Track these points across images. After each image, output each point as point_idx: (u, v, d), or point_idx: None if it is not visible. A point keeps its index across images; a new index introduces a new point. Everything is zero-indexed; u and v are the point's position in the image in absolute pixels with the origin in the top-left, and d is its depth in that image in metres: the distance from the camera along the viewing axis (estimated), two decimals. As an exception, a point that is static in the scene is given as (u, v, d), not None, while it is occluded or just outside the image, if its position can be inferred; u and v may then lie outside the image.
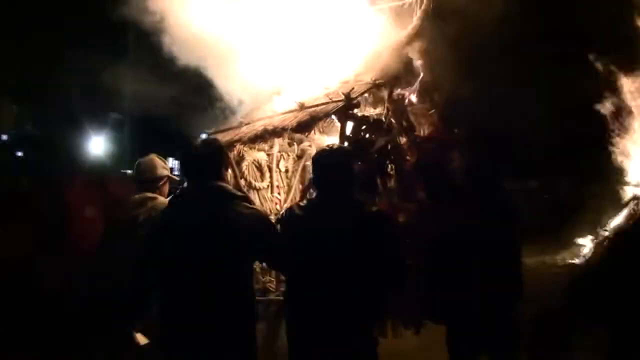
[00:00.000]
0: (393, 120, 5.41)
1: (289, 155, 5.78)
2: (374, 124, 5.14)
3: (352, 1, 6.02)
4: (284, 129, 5.06)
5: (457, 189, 4.05)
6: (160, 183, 4.17)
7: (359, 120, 5.10)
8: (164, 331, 2.99)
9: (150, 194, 4.03)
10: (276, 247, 3.12)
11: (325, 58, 5.94)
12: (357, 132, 5.03)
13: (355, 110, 5.20)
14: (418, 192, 5.21)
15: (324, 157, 3.23)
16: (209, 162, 3.12)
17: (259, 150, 5.61)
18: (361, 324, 3.03)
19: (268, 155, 5.69)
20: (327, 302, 2.97)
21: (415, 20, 5.75)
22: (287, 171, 5.75)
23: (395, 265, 3.08)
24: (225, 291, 2.93)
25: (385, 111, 5.38)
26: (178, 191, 3.21)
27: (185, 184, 3.18)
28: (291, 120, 5.14)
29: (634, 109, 10.35)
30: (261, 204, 5.38)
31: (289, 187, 5.60)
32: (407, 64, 5.63)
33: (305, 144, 5.73)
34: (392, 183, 5.35)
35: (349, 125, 5.19)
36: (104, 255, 3.97)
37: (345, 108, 4.88)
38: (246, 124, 5.63)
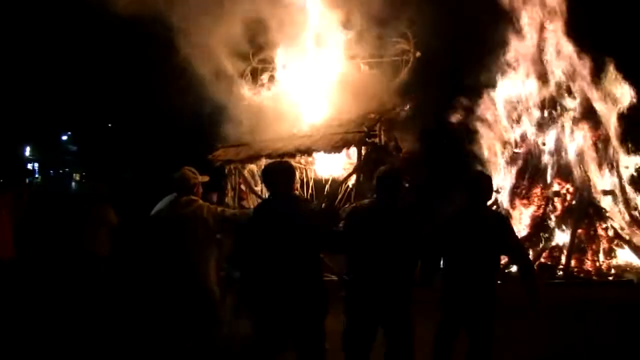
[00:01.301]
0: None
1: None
2: (381, 148, 7.02)
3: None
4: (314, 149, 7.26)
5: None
6: (195, 189, 5.37)
7: (373, 146, 6.83)
8: (256, 291, 4.29)
9: (193, 197, 5.27)
10: (325, 224, 4.66)
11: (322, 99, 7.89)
12: (369, 154, 6.36)
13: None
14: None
15: (387, 173, 4.63)
16: (280, 179, 4.47)
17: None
18: (403, 281, 4.47)
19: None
20: (384, 268, 4.37)
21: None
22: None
23: (420, 244, 4.56)
24: (302, 257, 4.29)
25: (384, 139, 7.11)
26: (267, 198, 4.77)
27: (269, 194, 4.64)
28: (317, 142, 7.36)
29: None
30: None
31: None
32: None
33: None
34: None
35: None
36: (162, 243, 5.18)
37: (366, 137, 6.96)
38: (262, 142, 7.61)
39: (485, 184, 4.97)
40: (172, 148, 18.05)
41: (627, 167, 12.63)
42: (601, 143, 12.60)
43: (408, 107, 7.77)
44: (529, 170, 12.74)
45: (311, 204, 5.62)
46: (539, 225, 11.95)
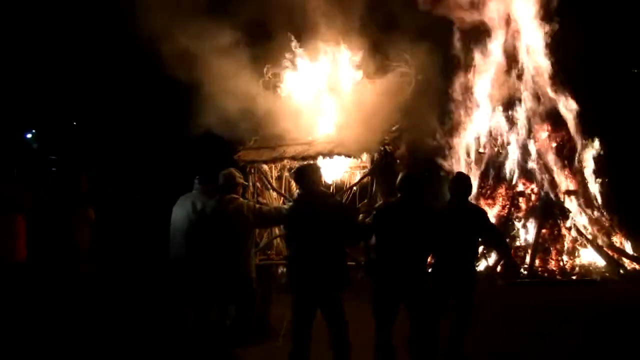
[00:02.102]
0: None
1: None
2: (390, 155, 8.07)
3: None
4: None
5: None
6: (237, 187, 6.20)
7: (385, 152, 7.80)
8: (298, 266, 5.30)
9: (234, 195, 6.05)
10: (351, 216, 5.74)
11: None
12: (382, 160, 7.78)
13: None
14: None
15: (410, 176, 5.43)
16: (311, 178, 5.45)
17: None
18: (422, 264, 5.34)
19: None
20: (409, 253, 5.18)
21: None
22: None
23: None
24: (331, 240, 5.27)
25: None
26: (301, 193, 5.49)
27: (301, 190, 5.49)
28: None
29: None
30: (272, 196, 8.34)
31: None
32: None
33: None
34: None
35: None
36: (205, 236, 5.95)
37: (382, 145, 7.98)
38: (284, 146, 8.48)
39: (464, 182, 6.02)
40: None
41: (587, 167, 12.72)
42: (564, 144, 12.66)
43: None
44: (494, 171, 12.74)
45: (336, 198, 6.40)
46: (504, 225, 11.93)
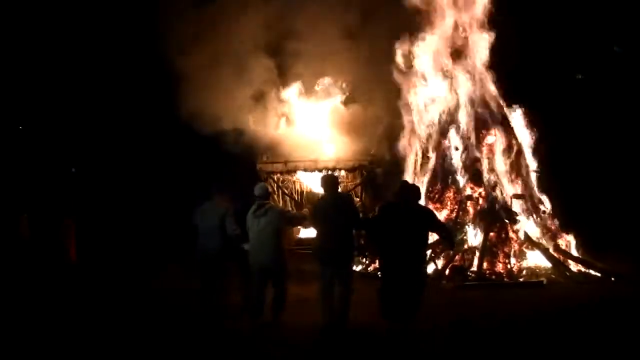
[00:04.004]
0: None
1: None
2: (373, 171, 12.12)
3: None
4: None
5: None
6: (269, 197, 8.51)
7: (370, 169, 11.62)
8: (321, 245, 7.43)
9: (267, 202, 7.88)
10: (359, 213, 7.90)
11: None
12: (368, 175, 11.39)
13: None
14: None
15: (407, 185, 7.68)
16: (334, 184, 7.68)
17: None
18: (420, 258, 7.26)
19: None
20: (405, 247, 6.96)
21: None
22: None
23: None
24: (346, 227, 7.31)
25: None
26: (324, 194, 7.56)
27: (324, 192, 7.56)
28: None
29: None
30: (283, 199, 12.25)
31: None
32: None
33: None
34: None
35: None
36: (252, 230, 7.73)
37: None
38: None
39: (408, 189, 7.54)
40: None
41: (536, 172, 12.80)
42: (511, 148, 12.72)
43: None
44: (442, 175, 12.70)
45: (349, 197, 8.88)
46: (452, 228, 11.85)
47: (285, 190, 12.87)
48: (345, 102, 12.98)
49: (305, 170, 12.77)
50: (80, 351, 7.01)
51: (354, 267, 9.03)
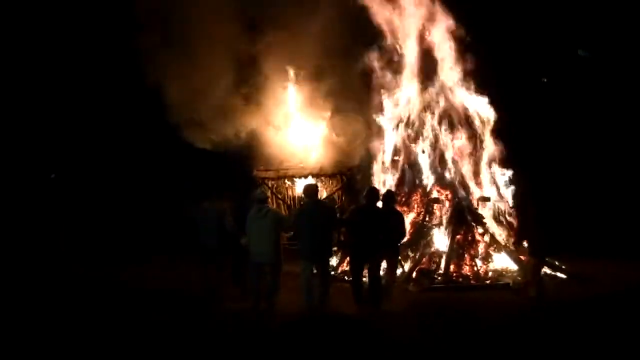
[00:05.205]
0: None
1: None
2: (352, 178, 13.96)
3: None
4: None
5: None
6: (267, 201, 9.87)
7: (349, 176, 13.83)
8: (305, 243, 8.81)
9: (266, 205, 9.31)
10: (336, 216, 9.52)
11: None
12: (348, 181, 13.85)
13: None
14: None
15: (372, 190, 9.41)
16: (314, 192, 9.16)
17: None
18: (379, 242, 8.97)
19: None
20: (371, 237, 8.86)
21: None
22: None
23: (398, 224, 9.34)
24: (327, 232, 8.91)
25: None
26: (306, 201, 9.13)
27: (307, 200, 9.13)
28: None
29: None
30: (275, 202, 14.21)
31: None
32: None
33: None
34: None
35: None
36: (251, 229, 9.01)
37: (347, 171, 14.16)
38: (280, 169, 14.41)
39: (373, 193, 9.30)
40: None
41: (502, 174, 12.85)
42: (478, 151, 12.76)
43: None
44: (408, 178, 12.69)
45: (328, 204, 11.01)
46: (419, 231, 11.85)
47: (279, 195, 14.59)
48: (330, 114, 14.48)
49: (293, 176, 14.51)
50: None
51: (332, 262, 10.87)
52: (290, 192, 15.02)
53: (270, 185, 14.49)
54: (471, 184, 12.58)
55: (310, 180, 13.50)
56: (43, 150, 19.58)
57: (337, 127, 14.24)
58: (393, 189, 12.41)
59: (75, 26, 17.31)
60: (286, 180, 14.77)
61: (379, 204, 9.27)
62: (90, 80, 18.38)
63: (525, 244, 9.88)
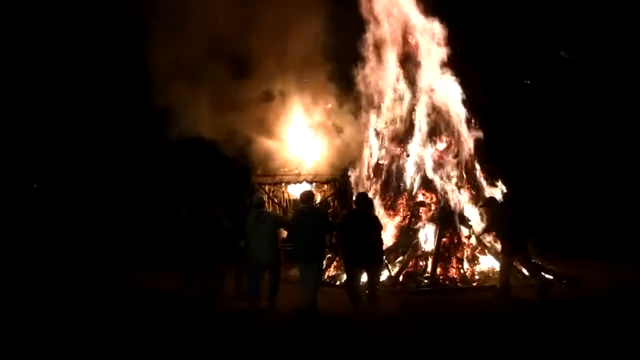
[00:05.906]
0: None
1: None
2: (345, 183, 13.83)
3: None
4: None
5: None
6: (264, 205, 10.49)
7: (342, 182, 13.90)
8: (296, 246, 9.29)
9: (265, 209, 10.14)
10: (329, 220, 10.02)
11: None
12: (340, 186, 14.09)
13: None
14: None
15: (362, 195, 9.82)
16: (310, 199, 9.64)
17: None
18: (372, 245, 9.21)
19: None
20: (361, 238, 9.11)
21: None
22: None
23: (378, 229, 9.42)
24: (320, 236, 9.26)
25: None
26: (300, 207, 9.59)
27: (302, 205, 9.53)
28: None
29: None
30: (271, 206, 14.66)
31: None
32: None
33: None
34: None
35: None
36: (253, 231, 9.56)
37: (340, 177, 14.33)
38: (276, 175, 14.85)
39: (362, 199, 9.64)
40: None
41: (486, 178, 12.87)
42: (463, 154, 12.77)
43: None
44: (394, 181, 12.67)
45: (321, 210, 11.20)
46: (405, 234, 11.84)
47: (275, 199, 15.17)
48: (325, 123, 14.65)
49: (289, 182, 15.06)
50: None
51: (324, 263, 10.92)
52: (286, 196, 15.57)
53: (267, 190, 14.99)
54: (457, 187, 12.54)
55: (306, 186, 14.06)
56: (26, 160, 19.42)
57: (336, 125, 14.33)
58: (378, 193, 12.44)
59: (60, 37, 17.20)
60: (283, 184, 15.29)
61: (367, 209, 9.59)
62: (76, 89, 18.25)
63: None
